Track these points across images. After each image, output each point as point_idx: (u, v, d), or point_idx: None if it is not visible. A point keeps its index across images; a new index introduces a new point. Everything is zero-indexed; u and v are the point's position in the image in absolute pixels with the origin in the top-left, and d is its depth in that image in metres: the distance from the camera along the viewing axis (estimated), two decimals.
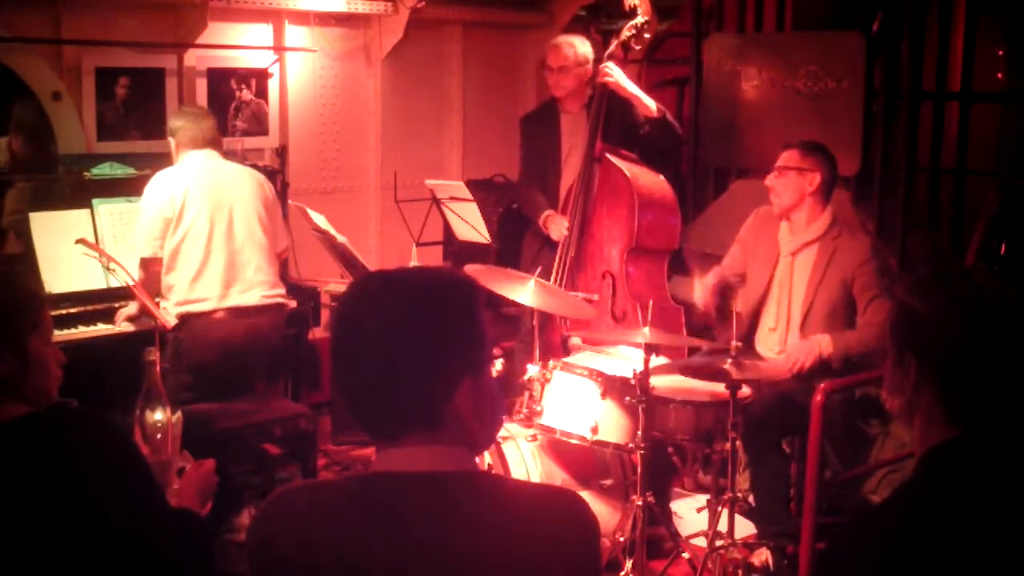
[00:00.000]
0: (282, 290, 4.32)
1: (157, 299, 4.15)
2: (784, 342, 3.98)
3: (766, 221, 4.12)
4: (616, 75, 4.54)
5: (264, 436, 4.17)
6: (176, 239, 4.05)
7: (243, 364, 4.23)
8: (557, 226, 4.70)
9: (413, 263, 4.61)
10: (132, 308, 4.17)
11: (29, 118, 4.69)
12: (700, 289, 4.09)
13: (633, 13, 4.58)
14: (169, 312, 4.14)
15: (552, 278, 4.53)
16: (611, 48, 4.66)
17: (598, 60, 4.72)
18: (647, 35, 4.66)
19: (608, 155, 4.62)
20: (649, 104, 4.60)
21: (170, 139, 4.23)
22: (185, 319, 4.06)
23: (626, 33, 4.60)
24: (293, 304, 4.45)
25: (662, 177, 4.70)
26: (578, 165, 4.69)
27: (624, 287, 4.55)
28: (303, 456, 4.31)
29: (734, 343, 3.57)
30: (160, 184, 4.08)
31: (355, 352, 1.45)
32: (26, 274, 4.15)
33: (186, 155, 4.17)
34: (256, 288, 4.17)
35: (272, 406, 4.28)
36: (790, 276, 3.99)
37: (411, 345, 1.43)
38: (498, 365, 3.92)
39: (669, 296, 4.67)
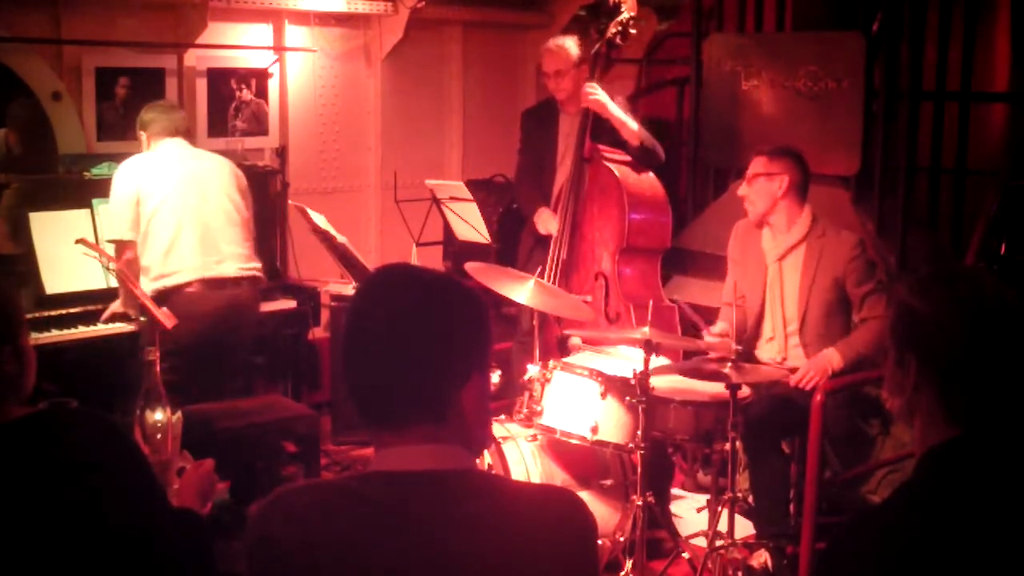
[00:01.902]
0: (258, 264, 4.30)
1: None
2: (784, 350, 3.97)
3: (748, 232, 4.10)
4: (600, 97, 4.49)
5: (266, 437, 4.17)
6: (146, 218, 4.05)
7: (226, 338, 4.21)
8: (545, 221, 4.69)
9: (413, 263, 4.60)
10: (116, 305, 4.16)
11: (25, 114, 4.69)
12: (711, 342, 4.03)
13: (617, 10, 4.55)
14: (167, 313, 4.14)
15: (545, 279, 4.51)
16: (596, 47, 4.63)
17: (585, 59, 4.69)
18: (633, 31, 4.62)
19: (598, 155, 4.60)
20: (632, 128, 4.55)
21: (141, 133, 4.23)
22: (163, 295, 4.03)
23: (612, 30, 4.56)
24: (264, 277, 4.43)
25: (652, 175, 4.68)
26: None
27: (617, 288, 4.53)
28: (306, 457, 4.31)
29: (734, 346, 3.57)
30: (125, 170, 4.10)
31: (368, 340, 1.46)
32: (26, 274, 4.17)
33: (157, 144, 4.19)
34: (230, 260, 4.17)
35: (275, 407, 4.28)
36: (780, 282, 3.97)
37: (425, 337, 1.44)
38: (495, 377, 3.93)
39: (663, 295, 4.67)
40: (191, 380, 4.08)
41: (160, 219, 4.05)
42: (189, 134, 4.30)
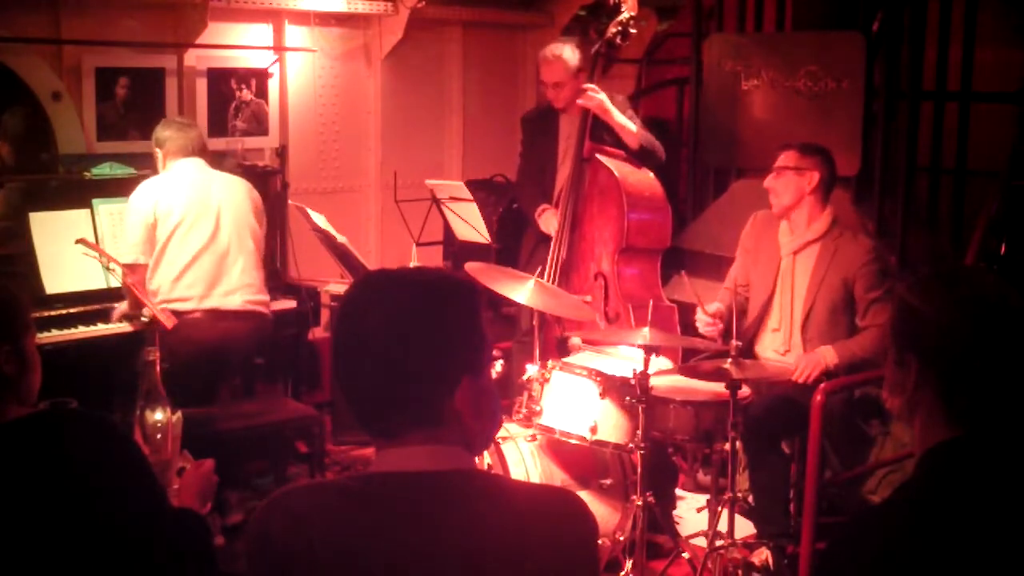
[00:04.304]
0: (266, 297, 4.29)
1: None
2: (788, 341, 3.97)
3: (766, 225, 4.12)
4: (601, 100, 4.49)
5: (271, 437, 4.17)
6: (160, 243, 4.06)
7: (213, 369, 4.19)
8: (546, 220, 4.69)
9: (413, 263, 4.62)
10: (124, 305, 4.17)
11: (18, 124, 4.68)
12: (704, 325, 4.04)
13: (617, 10, 4.54)
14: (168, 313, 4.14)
15: (546, 279, 4.51)
16: (596, 46, 4.63)
17: (584, 67, 4.67)
18: (634, 31, 4.61)
19: (597, 154, 4.60)
20: (631, 130, 4.55)
21: (156, 150, 4.23)
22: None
23: (612, 30, 4.55)
24: (271, 312, 4.38)
25: (652, 175, 4.68)
26: None
27: (616, 288, 4.53)
28: (310, 457, 4.31)
29: (734, 343, 3.57)
30: (142, 191, 4.10)
31: (357, 350, 1.46)
32: (26, 274, 4.17)
33: (173, 164, 4.18)
34: (239, 292, 4.15)
35: (277, 407, 4.27)
36: (792, 275, 3.99)
37: (411, 344, 1.43)
38: (498, 366, 3.92)
39: (663, 295, 4.67)
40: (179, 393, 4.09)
41: (174, 245, 4.06)
42: (205, 152, 4.28)
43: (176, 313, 4.04)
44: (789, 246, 4.01)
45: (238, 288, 4.15)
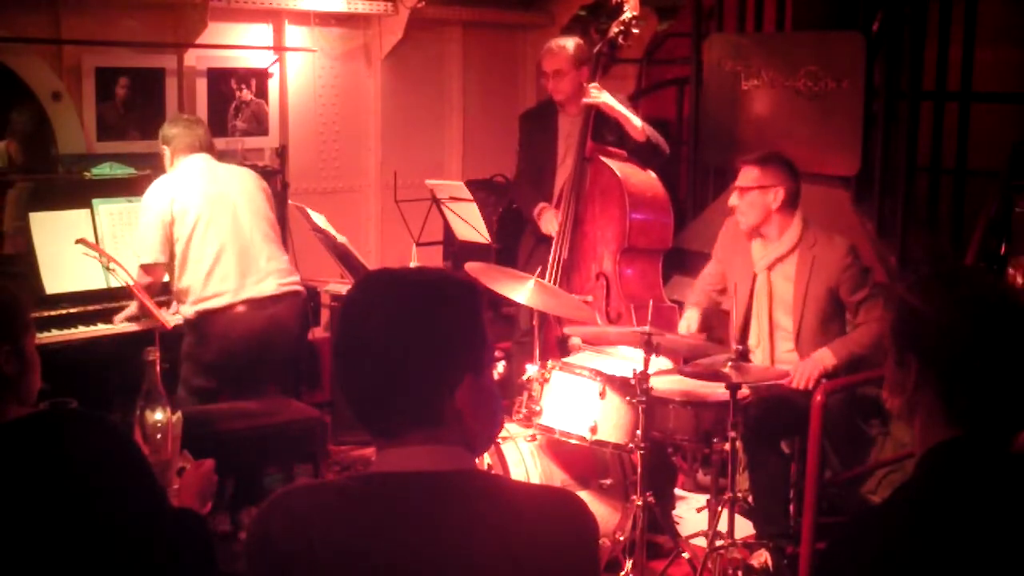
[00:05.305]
0: (297, 277, 4.32)
1: (158, 299, 4.16)
2: (770, 360, 3.95)
3: (737, 236, 4.06)
4: (603, 98, 4.51)
5: (271, 439, 4.16)
6: (182, 241, 4.05)
7: (264, 356, 4.22)
8: (547, 220, 4.69)
9: (413, 263, 4.62)
10: (132, 308, 4.17)
11: (26, 123, 4.69)
12: (686, 328, 4.09)
13: (619, 10, 4.55)
14: (169, 313, 4.14)
15: (546, 279, 4.51)
16: (598, 46, 4.64)
17: (589, 59, 4.69)
18: (636, 31, 4.62)
19: (599, 154, 4.60)
20: (636, 123, 4.57)
21: (164, 147, 4.23)
22: (203, 316, 4.05)
23: (614, 30, 4.57)
24: (305, 291, 4.41)
25: (654, 176, 4.68)
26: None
27: (618, 288, 4.53)
28: (312, 458, 4.30)
29: (734, 346, 3.57)
30: (157, 190, 4.09)
31: (357, 350, 1.46)
32: (26, 274, 4.17)
33: (181, 161, 4.18)
34: (271, 277, 4.17)
35: (279, 408, 4.27)
36: (768, 291, 3.94)
37: (412, 343, 1.43)
38: (500, 367, 3.92)
39: (664, 295, 4.67)
40: (221, 389, 4.14)
41: (198, 242, 4.05)
42: (212, 148, 4.28)
43: (215, 310, 4.05)
44: (763, 262, 3.95)
45: (268, 274, 4.16)
